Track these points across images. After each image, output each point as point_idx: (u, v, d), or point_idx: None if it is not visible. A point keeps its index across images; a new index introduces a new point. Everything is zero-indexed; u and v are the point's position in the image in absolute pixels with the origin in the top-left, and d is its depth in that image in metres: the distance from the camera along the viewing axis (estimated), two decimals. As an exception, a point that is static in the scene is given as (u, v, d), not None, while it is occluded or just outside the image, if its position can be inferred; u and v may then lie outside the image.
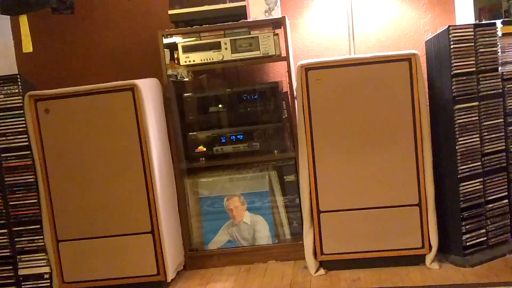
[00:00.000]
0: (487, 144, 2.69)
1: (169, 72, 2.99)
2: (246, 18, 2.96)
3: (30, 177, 2.77)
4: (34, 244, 2.80)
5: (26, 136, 2.75)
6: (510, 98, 2.72)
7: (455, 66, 2.59)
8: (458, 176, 2.64)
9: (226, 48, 2.95)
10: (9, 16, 3.24)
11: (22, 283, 2.81)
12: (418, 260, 2.73)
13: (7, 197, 2.78)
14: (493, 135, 2.69)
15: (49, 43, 3.43)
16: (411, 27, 3.22)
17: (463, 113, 2.62)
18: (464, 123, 2.63)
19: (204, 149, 3.03)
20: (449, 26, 2.58)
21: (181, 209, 3.03)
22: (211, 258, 3.04)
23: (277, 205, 3.06)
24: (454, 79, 2.60)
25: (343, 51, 3.22)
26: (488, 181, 2.70)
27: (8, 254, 2.80)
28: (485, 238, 2.72)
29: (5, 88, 2.75)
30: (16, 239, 2.79)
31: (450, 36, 2.58)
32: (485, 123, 2.67)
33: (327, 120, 2.71)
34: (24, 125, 2.75)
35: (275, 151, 3.00)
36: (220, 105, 3.05)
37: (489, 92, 2.67)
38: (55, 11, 3.11)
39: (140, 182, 2.73)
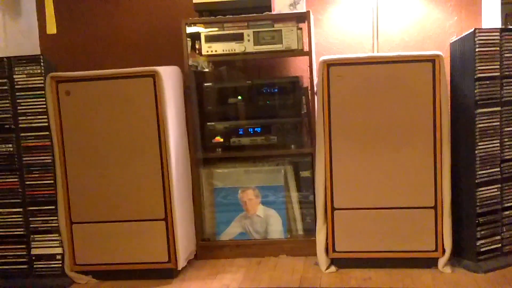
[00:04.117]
0: (507, 150, 2.66)
1: (190, 62, 2.99)
2: (271, 11, 2.95)
3: (47, 157, 2.78)
4: (48, 225, 2.81)
5: (45, 116, 2.76)
6: (533, 105, 2.69)
7: (479, 69, 2.57)
8: (476, 181, 2.62)
9: (249, 40, 2.94)
10: (34, -3, 3.26)
11: (34, 263, 2.83)
12: (431, 263, 2.71)
13: (24, 176, 2.79)
14: (513, 142, 2.67)
15: (73, 26, 3.44)
16: (436, 28, 3.19)
17: (484, 117, 2.60)
18: (485, 128, 2.60)
19: (221, 140, 3.03)
20: (475, 29, 2.56)
21: (195, 199, 3.04)
22: (222, 249, 3.05)
23: (291, 200, 3.05)
24: (477, 83, 2.57)
25: (366, 50, 3.20)
26: (506, 187, 2.68)
27: (22, 233, 2.82)
28: (500, 245, 2.69)
29: (28, 68, 2.76)
30: (30, 219, 2.81)
31: (476, 39, 2.55)
32: (506, 129, 2.65)
33: (346, 117, 2.69)
34: (45, 106, 2.76)
35: (292, 146, 3.00)
36: (239, 97, 3.04)
37: (512, 98, 2.65)
38: (81, -6, 3.13)
39: (156, 169, 2.74)
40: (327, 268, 2.78)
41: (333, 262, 2.80)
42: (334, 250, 2.77)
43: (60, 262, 2.82)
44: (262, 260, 2.98)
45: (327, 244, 2.77)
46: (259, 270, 2.85)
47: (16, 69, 2.75)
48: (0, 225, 2.82)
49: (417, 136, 2.66)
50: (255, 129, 3.02)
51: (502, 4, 3.14)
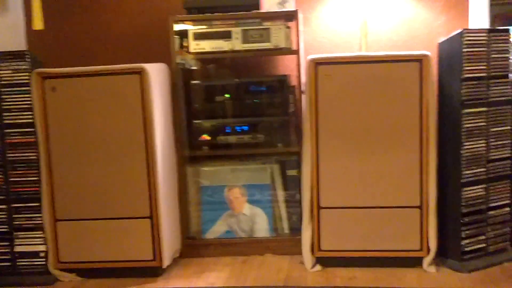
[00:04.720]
0: (493, 150, 2.67)
1: (178, 59, 2.98)
2: (259, 9, 2.95)
3: (32, 154, 2.75)
4: (32, 222, 2.78)
5: (31, 113, 2.74)
6: (519, 106, 2.70)
7: (466, 70, 2.57)
8: (462, 181, 2.62)
9: (237, 38, 2.93)
10: (21, -8, 3.24)
11: (17, 260, 2.80)
12: (416, 262, 2.72)
13: (8, 173, 2.77)
14: (499, 142, 2.67)
15: (60, 22, 3.41)
16: (424, 28, 3.20)
17: (471, 117, 2.60)
18: (471, 128, 2.61)
19: (208, 137, 3.01)
20: (463, 30, 2.56)
21: (181, 197, 3.02)
22: (208, 247, 3.03)
23: (277, 199, 3.05)
24: (464, 83, 2.58)
25: (354, 49, 3.19)
26: (491, 188, 2.69)
27: (6, 230, 2.79)
28: (485, 244, 2.70)
29: (13, 63, 2.73)
30: (14, 216, 2.78)
31: (463, 39, 2.55)
32: (492, 130, 2.65)
33: (333, 116, 2.69)
34: (30, 102, 2.73)
35: (279, 145, 2.99)
36: (226, 95, 3.03)
37: (498, 99, 2.65)
38: (68, -11, 3.11)
39: (142, 166, 2.72)
40: (313, 267, 2.77)
41: (318, 261, 2.80)
42: (319, 249, 2.77)
43: (44, 259, 2.80)
44: (248, 259, 2.97)
45: (312, 243, 2.77)
46: (244, 269, 2.84)
47: (1, 64, 2.72)
48: (-17, 221, 2.80)
49: (404, 135, 2.66)
50: (242, 127, 3.01)
51: (490, 5, 3.15)
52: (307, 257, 2.78)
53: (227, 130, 3.01)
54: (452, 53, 2.65)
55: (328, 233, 2.75)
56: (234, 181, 3.04)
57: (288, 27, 2.93)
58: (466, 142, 2.60)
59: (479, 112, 2.62)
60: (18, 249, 2.80)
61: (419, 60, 2.62)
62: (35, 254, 2.80)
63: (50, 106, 2.74)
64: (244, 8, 2.94)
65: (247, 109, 3.02)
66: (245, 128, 3.01)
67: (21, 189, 2.77)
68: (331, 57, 2.74)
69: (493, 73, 2.62)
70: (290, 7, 2.95)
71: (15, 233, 2.79)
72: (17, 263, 2.80)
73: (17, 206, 2.78)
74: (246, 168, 3.05)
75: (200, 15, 2.97)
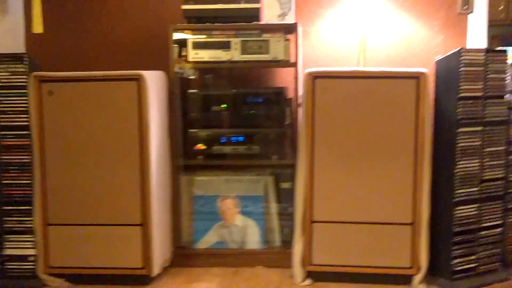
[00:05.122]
0: (486, 170, 2.67)
1: (176, 68, 2.98)
2: (259, 21, 2.95)
3: (26, 157, 2.75)
4: (22, 225, 2.77)
5: (27, 116, 2.73)
6: (515, 127, 2.71)
7: (462, 89, 2.58)
8: (454, 200, 2.62)
9: (236, 49, 2.94)
10: (22, -5, 3.24)
11: (6, 263, 2.78)
12: (406, 280, 2.71)
13: (1, 175, 2.75)
14: (493, 162, 2.68)
15: (60, 26, 3.41)
16: (422, 46, 3.21)
17: (466, 136, 2.61)
18: (466, 147, 2.61)
19: (203, 147, 3.01)
20: (461, 49, 2.58)
21: (174, 205, 3.01)
22: (198, 257, 3.02)
23: (270, 211, 3.04)
24: (460, 102, 2.59)
25: (352, 64, 3.20)
26: (484, 207, 2.69)
27: (-4, 232, 2.78)
28: (475, 264, 2.69)
29: (11, 66, 2.73)
30: (5, 218, 2.77)
31: (461, 58, 2.56)
32: (486, 149, 2.65)
33: (329, 130, 2.69)
34: (27, 105, 2.73)
35: (274, 157, 2.99)
36: (223, 105, 3.03)
37: (494, 119, 2.66)
38: (70, -6, 3.12)
39: (136, 173, 2.72)
40: (303, 281, 2.76)
41: (309, 275, 2.78)
42: (310, 263, 2.76)
43: (33, 263, 2.78)
44: (238, 270, 2.96)
45: (303, 256, 2.76)
46: (234, 280, 2.83)
47: (-1, 66, 2.73)
48: (-27, 223, 2.78)
49: (399, 152, 2.66)
50: (238, 138, 3.01)
51: (488, 25, 3.17)
52: (298, 270, 2.77)
53: (222, 140, 3.01)
54: (450, 71, 2.66)
55: (319, 247, 2.75)
56: (227, 191, 3.04)
57: (287, 40, 2.94)
58: (460, 161, 2.61)
59: (474, 131, 2.62)
60: (7, 252, 2.78)
61: (416, 77, 2.63)
62: (24, 258, 2.78)
63: (46, 110, 2.74)
64: (244, 19, 2.96)
65: (243, 120, 3.02)
66: (241, 139, 3.01)
67: (13, 192, 2.76)
68: (329, 71, 2.75)
69: (490, 93, 2.63)
70: (290, 20, 2.96)
71: (5, 236, 2.77)
72: (6, 266, 2.78)
73: (8, 209, 2.76)
74: (240, 179, 3.04)
75: (200, 24, 2.98)
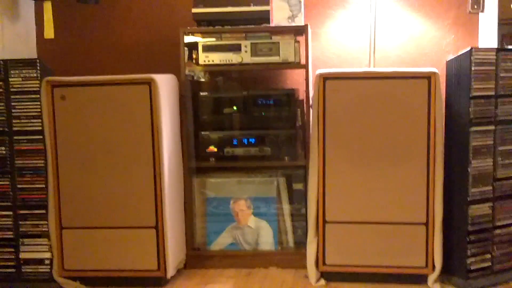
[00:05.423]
0: (500, 169, 2.66)
1: (187, 71, 3.00)
2: (269, 23, 2.96)
3: (40, 161, 2.77)
4: (37, 229, 2.79)
5: (40, 120, 2.76)
6: (527, 125, 2.70)
7: (474, 88, 2.58)
8: (468, 199, 2.62)
9: (246, 51, 2.95)
10: (33, 1, 3.25)
11: (22, 267, 2.80)
12: (421, 279, 2.71)
13: (15, 179, 2.78)
14: (507, 161, 2.67)
15: (71, 31, 3.44)
16: (433, 46, 3.21)
17: (478, 136, 2.60)
18: (479, 146, 2.61)
19: (215, 149, 3.02)
20: (471, 48, 2.57)
21: (187, 207, 3.03)
22: (212, 259, 3.03)
23: (283, 213, 3.05)
24: (472, 101, 2.58)
25: (362, 65, 3.21)
26: (498, 206, 2.68)
27: (11, 236, 2.80)
28: (490, 263, 2.69)
29: (24, 71, 2.76)
30: (20, 222, 2.79)
31: (472, 58, 2.56)
32: (500, 148, 2.65)
33: (341, 131, 2.70)
34: (39, 110, 2.75)
35: (286, 158, 2.99)
36: (234, 107, 3.04)
37: (506, 117, 2.65)
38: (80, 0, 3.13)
39: (149, 176, 2.73)
40: (317, 281, 2.76)
41: (323, 275, 2.79)
42: (324, 264, 2.76)
43: (49, 267, 2.80)
44: (252, 272, 2.97)
45: (317, 257, 2.76)
46: (248, 282, 2.84)
47: (12, 72, 2.75)
48: (-11, 228, 2.81)
49: (411, 152, 2.66)
50: (249, 140, 3.02)
51: (499, 24, 3.16)
52: (312, 271, 2.77)
53: (234, 142, 3.02)
54: (461, 71, 2.65)
55: (333, 247, 2.75)
56: (240, 193, 3.05)
57: (297, 42, 2.95)
58: (474, 160, 2.60)
59: (487, 130, 2.62)
60: (23, 255, 2.80)
61: (428, 77, 2.63)
62: (40, 261, 2.80)
63: (59, 114, 2.76)
64: (254, 22, 2.97)
65: (254, 122, 3.03)
66: (252, 140, 3.02)
67: (28, 196, 2.79)
68: (339, 72, 2.76)
69: (502, 92, 2.63)
70: (299, 22, 2.96)
71: (20, 240, 2.80)
72: (22, 270, 2.81)
73: (24, 213, 2.79)
74: (252, 181, 3.05)
75: (210, 27, 2.99)
